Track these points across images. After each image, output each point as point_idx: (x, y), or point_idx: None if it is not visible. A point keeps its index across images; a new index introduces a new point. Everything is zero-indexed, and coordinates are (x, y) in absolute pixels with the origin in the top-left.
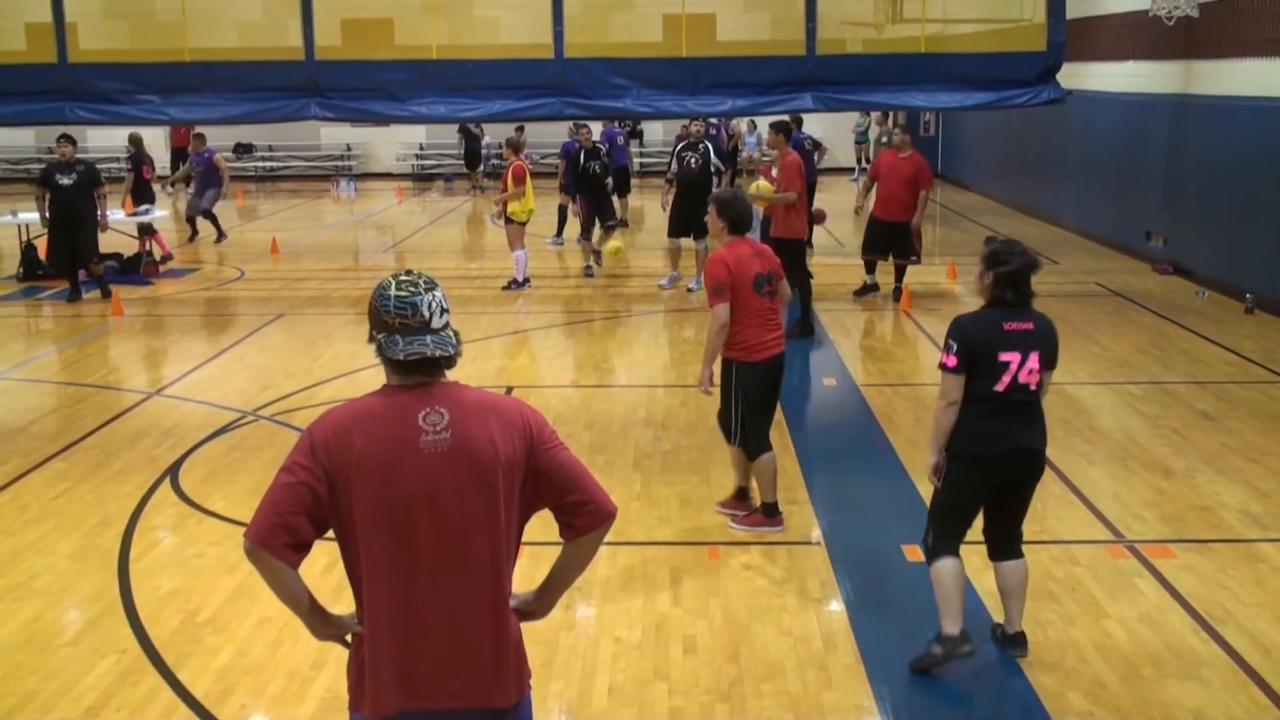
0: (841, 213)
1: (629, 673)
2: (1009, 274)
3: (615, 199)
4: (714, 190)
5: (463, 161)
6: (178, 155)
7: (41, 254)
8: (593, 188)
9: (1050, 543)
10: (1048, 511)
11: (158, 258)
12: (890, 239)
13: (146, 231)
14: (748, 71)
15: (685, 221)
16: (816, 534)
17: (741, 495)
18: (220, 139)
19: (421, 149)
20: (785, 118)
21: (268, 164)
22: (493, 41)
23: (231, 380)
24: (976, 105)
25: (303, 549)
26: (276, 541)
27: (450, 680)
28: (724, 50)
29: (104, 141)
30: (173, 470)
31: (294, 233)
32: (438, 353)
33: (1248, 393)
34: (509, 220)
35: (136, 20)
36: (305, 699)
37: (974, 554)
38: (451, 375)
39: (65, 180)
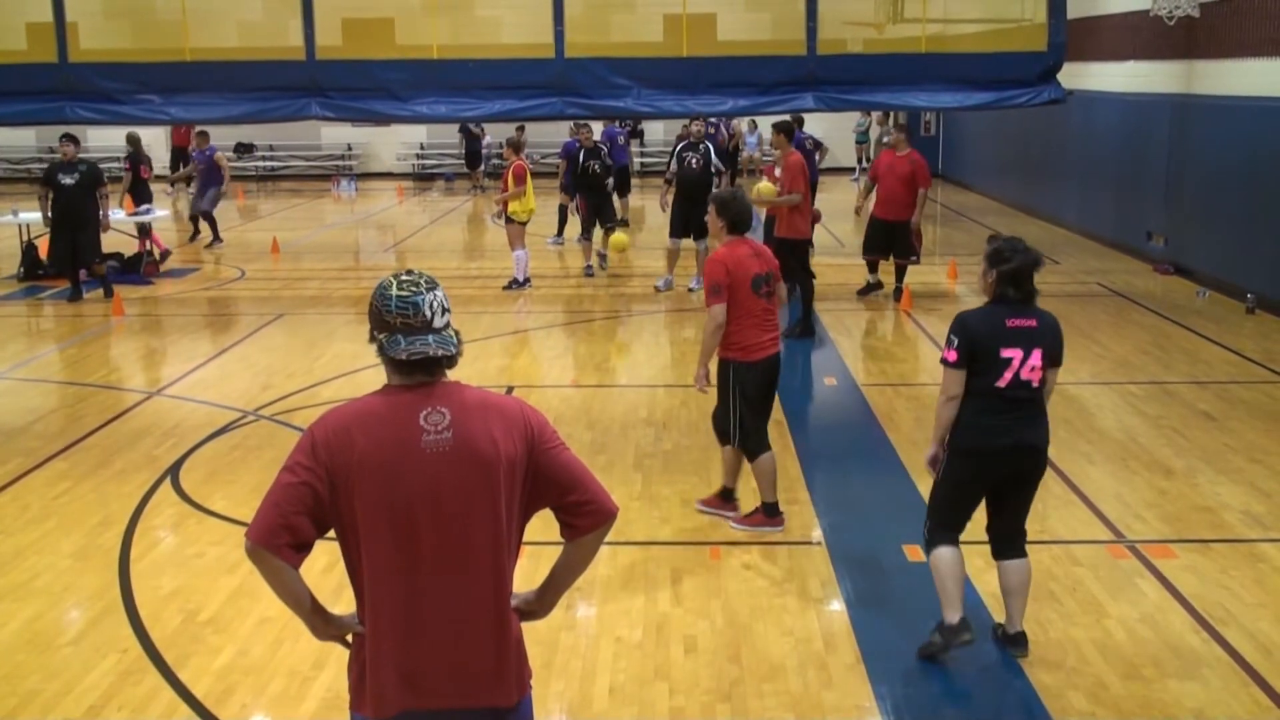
0: (842, 212)
1: (630, 673)
2: (1012, 271)
3: (616, 199)
4: (714, 190)
5: (463, 161)
6: (178, 155)
7: (43, 254)
8: (593, 187)
9: (1051, 543)
10: (1049, 511)
11: (156, 256)
12: (890, 238)
13: (144, 231)
14: (748, 71)
15: (686, 222)
16: (817, 534)
17: (726, 495)
18: (221, 138)
19: (422, 149)
20: (787, 118)
21: (268, 164)
22: (494, 41)
23: (232, 380)
24: (977, 105)
25: (304, 549)
26: (278, 541)
27: (451, 680)
28: (725, 50)
29: (104, 141)
30: (173, 470)
31: (295, 232)
32: (440, 352)
33: (1249, 393)
34: (509, 220)
35: (137, 20)
36: (306, 699)
37: (976, 554)
38: (452, 375)
39: (67, 180)
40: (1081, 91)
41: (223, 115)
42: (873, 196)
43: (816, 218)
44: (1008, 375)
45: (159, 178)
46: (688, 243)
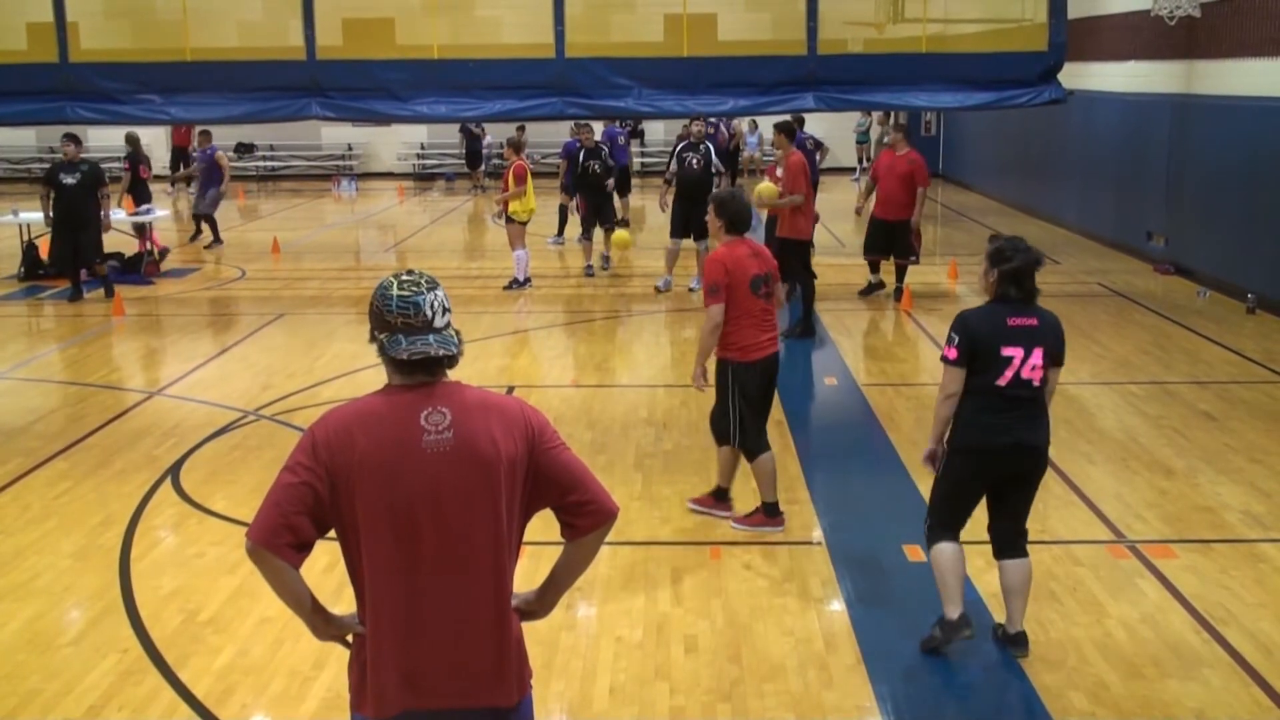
0: (842, 212)
1: (630, 672)
2: (1013, 270)
3: (616, 199)
4: (714, 190)
5: (464, 161)
6: (178, 155)
7: (43, 253)
8: (593, 187)
9: (1051, 543)
10: (1049, 511)
11: (155, 255)
12: (890, 238)
13: (141, 231)
14: (749, 71)
15: (686, 222)
16: (817, 534)
17: (720, 495)
18: (221, 138)
19: (423, 149)
20: (788, 118)
21: (269, 164)
22: (494, 41)
23: (233, 380)
24: (978, 105)
25: (305, 549)
26: (279, 541)
27: (452, 680)
28: (725, 50)
29: (103, 141)
30: (174, 470)
31: (295, 232)
32: (441, 352)
33: (1249, 393)
34: (510, 220)
35: (137, 20)
36: (306, 698)
37: (977, 554)
38: (452, 375)
39: (69, 180)
40: (1082, 91)
41: (223, 115)
42: (874, 197)
43: (815, 218)
44: (1008, 374)
45: (158, 178)
46: (688, 243)
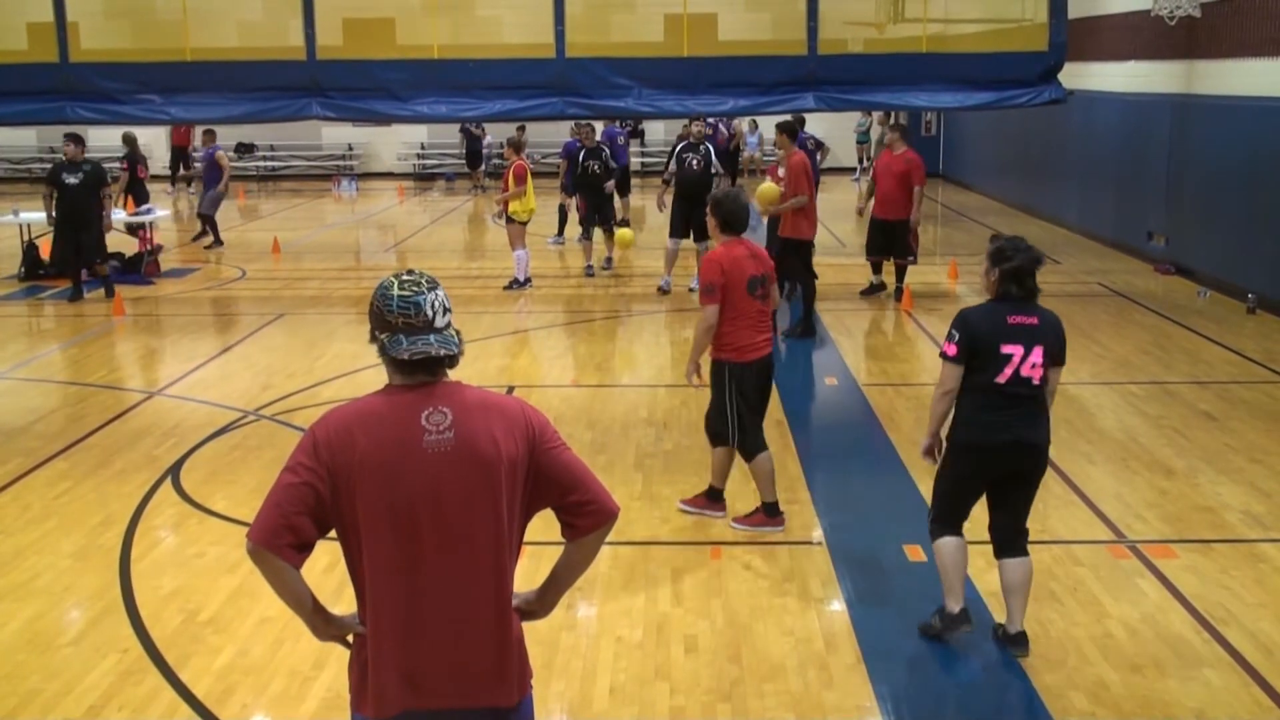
0: (843, 212)
1: (630, 672)
2: (1014, 269)
3: (616, 199)
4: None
5: (464, 161)
6: (177, 155)
7: (44, 253)
8: (592, 187)
9: (1052, 543)
10: (1049, 511)
11: (151, 254)
12: (890, 238)
13: (133, 230)
14: (749, 71)
15: (686, 222)
16: (818, 534)
17: (713, 496)
18: (222, 138)
19: (423, 149)
20: (789, 118)
21: (269, 164)
22: (494, 41)
23: (233, 380)
24: (978, 105)
25: (306, 549)
26: (280, 542)
27: (452, 680)
28: (725, 50)
29: (103, 141)
30: (174, 470)
31: (295, 232)
32: (442, 351)
33: (1249, 393)
34: (510, 220)
35: (138, 20)
36: (306, 698)
37: (977, 554)
38: (452, 375)
39: (71, 179)
40: (1082, 91)
41: (223, 115)
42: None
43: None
44: (1008, 371)
45: (157, 178)
46: (688, 243)
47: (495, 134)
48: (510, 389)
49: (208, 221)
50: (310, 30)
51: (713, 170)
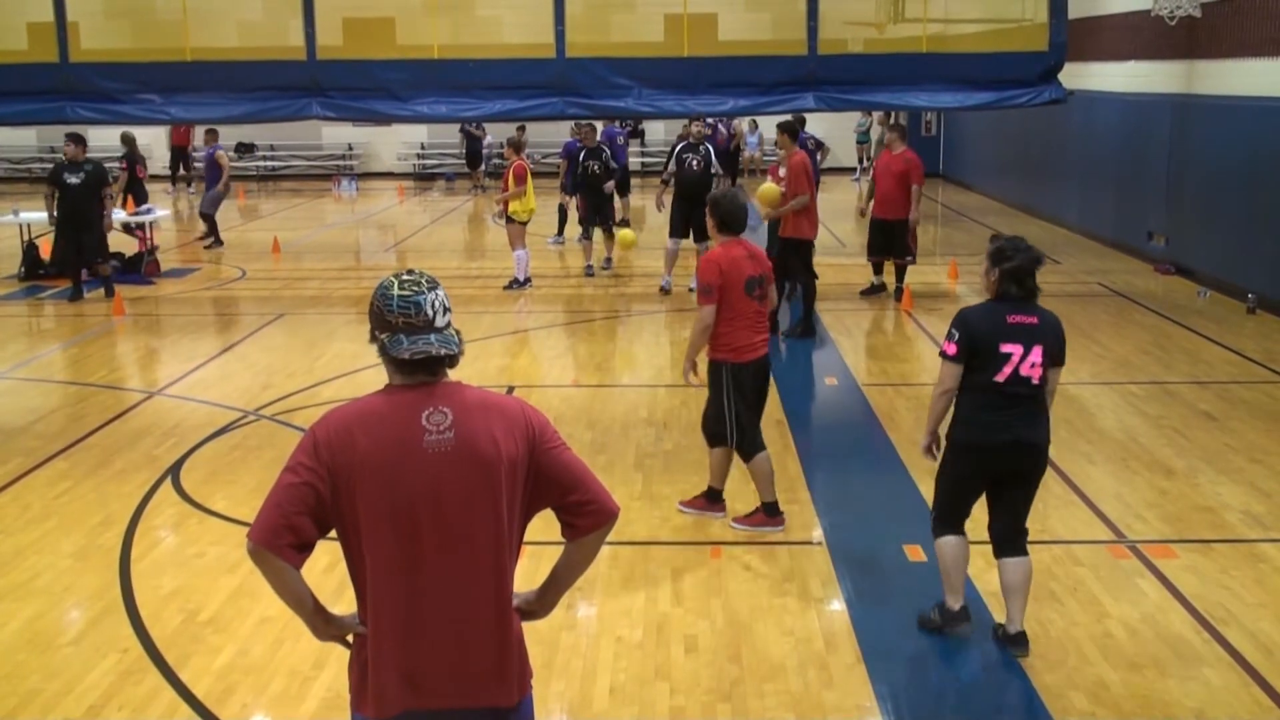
0: (843, 212)
1: (630, 672)
2: (1014, 269)
3: (616, 199)
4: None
5: (464, 161)
6: (177, 155)
7: (44, 253)
8: (592, 187)
9: (1052, 543)
10: (1049, 511)
11: (152, 253)
12: (890, 238)
13: (130, 230)
14: (749, 71)
15: (686, 222)
16: (818, 534)
17: (712, 497)
18: (222, 138)
19: (423, 148)
20: (790, 118)
21: (269, 163)
22: (494, 41)
23: (233, 380)
24: (978, 105)
25: (306, 549)
26: (280, 542)
27: (452, 680)
28: (725, 50)
29: (103, 141)
30: (174, 470)
31: (295, 232)
32: (442, 351)
33: (1249, 393)
34: (510, 220)
35: (138, 20)
36: (306, 698)
37: (977, 554)
38: (452, 375)
39: (73, 179)
40: (1082, 91)
41: (223, 115)
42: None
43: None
44: (1007, 370)
45: (156, 178)
46: (687, 243)
47: (495, 134)
48: (510, 389)
49: (207, 221)
50: (310, 30)
51: (712, 170)
